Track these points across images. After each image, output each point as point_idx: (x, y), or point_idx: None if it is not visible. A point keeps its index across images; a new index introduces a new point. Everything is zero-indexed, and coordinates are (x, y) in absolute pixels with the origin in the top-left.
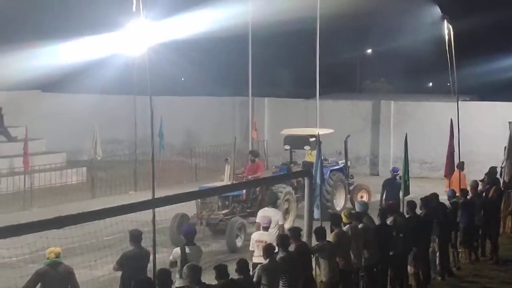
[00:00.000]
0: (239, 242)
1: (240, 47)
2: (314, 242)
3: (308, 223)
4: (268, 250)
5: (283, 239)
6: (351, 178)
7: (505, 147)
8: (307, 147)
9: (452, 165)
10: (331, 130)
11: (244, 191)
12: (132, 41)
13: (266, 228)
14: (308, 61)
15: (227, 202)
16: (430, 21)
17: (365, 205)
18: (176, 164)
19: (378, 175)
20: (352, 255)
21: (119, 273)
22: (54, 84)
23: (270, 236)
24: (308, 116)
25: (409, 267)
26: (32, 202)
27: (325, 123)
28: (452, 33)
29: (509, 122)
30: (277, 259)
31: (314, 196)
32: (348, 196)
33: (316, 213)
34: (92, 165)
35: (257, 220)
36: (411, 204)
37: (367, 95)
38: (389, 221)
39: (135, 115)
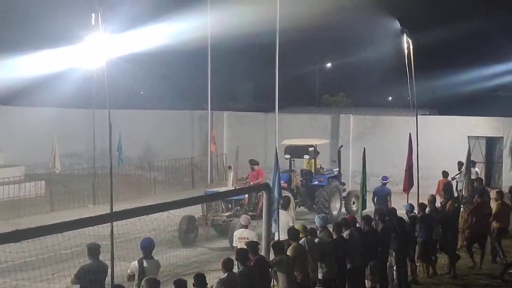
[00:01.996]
0: None
1: (199, 60)
2: (272, 256)
3: (266, 237)
4: (226, 264)
5: (241, 253)
6: (343, 185)
7: (459, 162)
8: (306, 156)
9: (411, 180)
10: (326, 141)
11: (247, 195)
12: (91, 54)
13: (246, 226)
14: (267, 75)
15: (230, 205)
16: (390, 35)
17: (324, 219)
18: (134, 177)
19: None
20: (309, 269)
21: (76, 287)
22: (13, 97)
23: (251, 233)
24: (268, 129)
25: (366, 281)
26: None
27: (284, 137)
28: (411, 47)
29: (468, 137)
30: (235, 273)
31: (272, 210)
32: (343, 202)
33: (274, 227)
34: (50, 178)
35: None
36: (368, 218)
37: (326, 109)
38: (345, 234)
39: (93, 128)
